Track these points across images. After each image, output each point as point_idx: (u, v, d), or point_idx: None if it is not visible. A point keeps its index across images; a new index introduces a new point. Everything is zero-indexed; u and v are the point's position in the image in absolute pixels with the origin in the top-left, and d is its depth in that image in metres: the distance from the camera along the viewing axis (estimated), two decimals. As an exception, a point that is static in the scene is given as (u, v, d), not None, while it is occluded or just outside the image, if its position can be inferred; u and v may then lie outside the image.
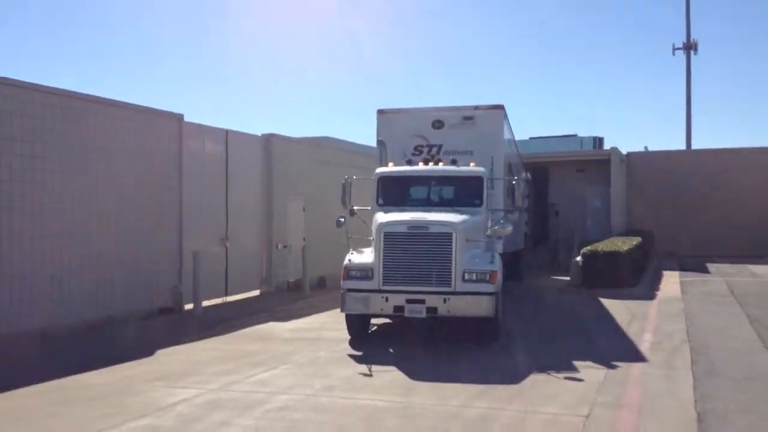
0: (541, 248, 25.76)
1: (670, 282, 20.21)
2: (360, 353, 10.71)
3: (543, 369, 9.43)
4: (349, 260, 11.16)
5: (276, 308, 15.62)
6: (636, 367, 9.65)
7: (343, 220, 11.84)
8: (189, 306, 15.01)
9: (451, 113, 15.09)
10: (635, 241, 21.51)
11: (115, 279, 13.41)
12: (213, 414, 7.51)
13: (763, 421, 7.09)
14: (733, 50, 67.53)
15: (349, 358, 10.33)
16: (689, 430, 6.85)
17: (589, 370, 9.39)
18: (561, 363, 9.78)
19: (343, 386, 8.73)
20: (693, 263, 25.36)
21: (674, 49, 42.65)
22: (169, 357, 10.57)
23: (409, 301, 10.68)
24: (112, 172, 13.47)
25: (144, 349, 10.81)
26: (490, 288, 10.74)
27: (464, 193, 12.48)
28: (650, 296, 17.31)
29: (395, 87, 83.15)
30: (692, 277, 21.63)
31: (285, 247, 18.52)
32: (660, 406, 7.73)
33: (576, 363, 9.79)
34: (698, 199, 30.06)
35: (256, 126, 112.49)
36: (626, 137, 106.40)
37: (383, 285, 10.79)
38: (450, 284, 10.66)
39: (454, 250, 10.72)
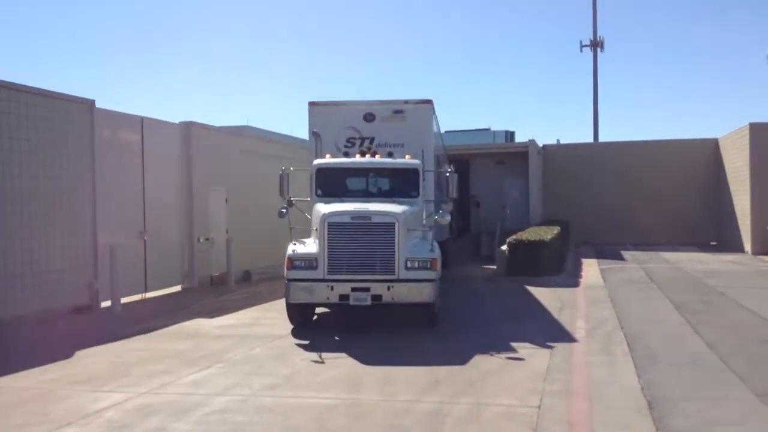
0: (464, 239, 25.97)
1: (591, 270, 20.72)
2: (305, 342, 10.56)
3: (487, 358, 9.38)
4: (293, 250, 11.11)
5: (201, 304, 14.91)
6: (577, 355, 9.70)
7: (285, 211, 11.75)
8: (106, 303, 14.10)
9: (382, 107, 15.39)
10: (555, 230, 21.89)
11: (24, 275, 12.38)
12: (146, 419, 6.94)
13: (713, 407, 7.15)
14: (638, 47, 70.49)
15: (285, 354, 9.90)
16: (643, 417, 6.83)
17: (532, 359, 9.36)
18: (503, 351, 9.79)
19: (285, 384, 8.32)
20: (608, 251, 26.20)
21: (582, 46, 44.12)
22: (91, 359, 9.80)
23: (354, 290, 10.79)
24: (18, 161, 12.40)
25: (61, 351, 9.98)
26: (431, 275, 10.98)
27: (401, 184, 12.67)
28: (574, 284, 17.64)
29: (311, 77, 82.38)
30: (610, 264, 22.27)
31: (207, 239, 17.75)
32: (608, 394, 7.73)
33: (519, 352, 9.78)
34: (610, 189, 31.11)
35: (174, 116, 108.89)
36: (537, 131, 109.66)
37: (328, 274, 10.83)
38: (394, 272, 10.83)
39: (397, 239, 10.86)
